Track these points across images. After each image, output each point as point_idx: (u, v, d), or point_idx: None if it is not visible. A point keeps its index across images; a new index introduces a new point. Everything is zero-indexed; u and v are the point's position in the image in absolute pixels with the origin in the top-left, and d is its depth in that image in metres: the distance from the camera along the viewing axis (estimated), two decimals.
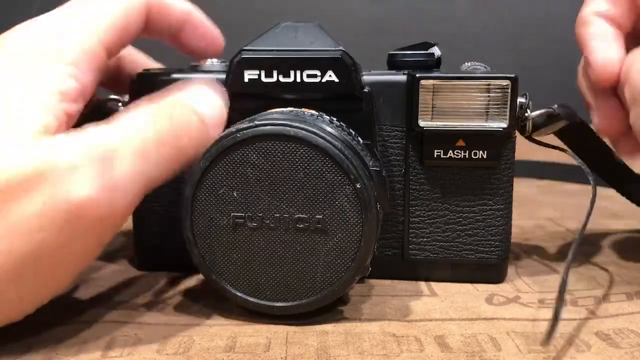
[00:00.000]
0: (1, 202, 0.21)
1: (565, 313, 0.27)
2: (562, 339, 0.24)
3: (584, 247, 0.37)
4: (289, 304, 0.25)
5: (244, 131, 0.25)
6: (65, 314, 0.27)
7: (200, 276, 0.32)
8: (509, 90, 0.28)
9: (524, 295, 0.29)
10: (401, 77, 0.29)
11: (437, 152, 0.29)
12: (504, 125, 0.28)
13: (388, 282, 0.31)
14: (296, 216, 0.25)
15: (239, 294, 0.26)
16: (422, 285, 0.30)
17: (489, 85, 0.28)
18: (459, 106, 0.29)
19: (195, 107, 0.25)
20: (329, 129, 0.25)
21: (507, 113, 0.28)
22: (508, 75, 0.28)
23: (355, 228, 0.24)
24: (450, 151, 0.29)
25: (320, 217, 0.25)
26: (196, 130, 0.25)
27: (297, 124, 0.24)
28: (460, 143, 0.29)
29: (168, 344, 0.24)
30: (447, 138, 0.29)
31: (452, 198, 0.30)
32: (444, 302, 0.28)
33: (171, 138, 0.24)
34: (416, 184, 0.30)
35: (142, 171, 0.23)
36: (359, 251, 0.25)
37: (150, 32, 0.30)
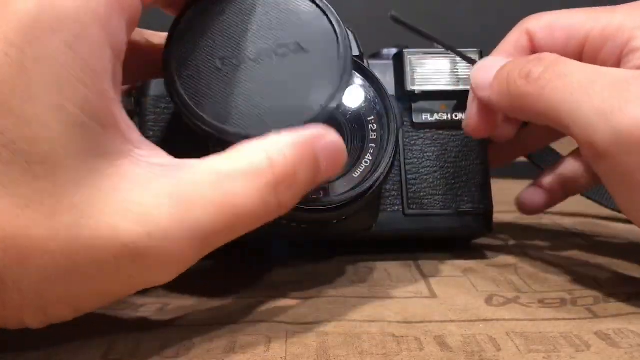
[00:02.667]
0: (69, 255, 0.19)
1: (564, 313, 0.27)
2: (562, 339, 0.24)
3: (583, 248, 0.37)
4: (289, 125, 0.24)
5: None
6: None
7: (200, 277, 0.32)
8: (478, 60, 0.34)
9: (524, 295, 0.29)
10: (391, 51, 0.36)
11: (424, 115, 0.35)
12: None
13: (387, 280, 0.31)
14: (275, 44, 0.25)
15: (235, 130, 0.25)
16: (422, 286, 0.30)
17: (461, 55, 0.34)
18: (438, 73, 0.35)
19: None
20: None
21: None
22: (475, 50, 0.35)
23: (332, 41, 0.25)
24: (435, 114, 0.35)
25: (298, 40, 0.25)
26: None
27: None
28: (443, 107, 0.35)
29: (168, 346, 0.24)
30: (432, 104, 0.35)
31: (440, 156, 0.35)
32: (443, 303, 0.28)
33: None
34: (410, 145, 0.35)
35: (221, 241, 0.22)
36: (341, 59, 0.25)
37: None
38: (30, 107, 0.19)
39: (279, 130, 0.23)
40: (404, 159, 0.35)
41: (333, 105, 0.25)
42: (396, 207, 0.34)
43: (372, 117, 0.30)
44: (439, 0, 0.97)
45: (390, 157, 0.29)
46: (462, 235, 0.36)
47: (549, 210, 0.45)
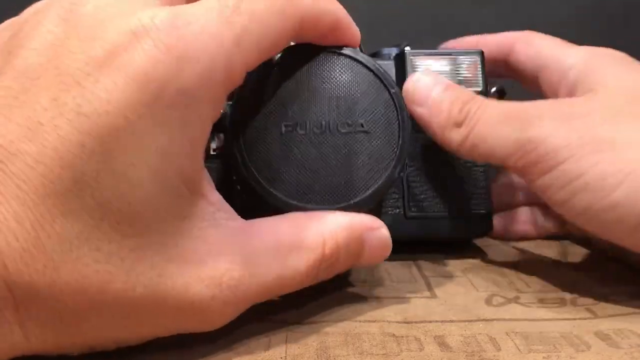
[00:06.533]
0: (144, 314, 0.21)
1: (565, 313, 0.27)
2: (562, 339, 0.24)
3: (583, 247, 0.37)
4: (342, 204, 0.26)
5: (282, 52, 0.26)
6: None
7: None
8: (479, 61, 0.35)
9: (524, 295, 0.29)
10: (391, 50, 0.36)
11: None
12: (479, 89, 0.35)
13: (387, 280, 0.31)
14: (340, 121, 0.26)
15: (292, 202, 0.25)
16: (422, 286, 0.30)
17: (463, 56, 0.35)
18: (440, 74, 0.34)
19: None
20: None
21: (480, 79, 0.35)
22: (476, 50, 0.35)
23: (394, 127, 0.26)
24: None
25: (363, 121, 0.26)
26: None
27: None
28: None
29: (168, 346, 0.24)
30: None
31: (442, 159, 0.35)
32: (443, 303, 0.28)
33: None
34: (411, 148, 0.33)
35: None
36: (398, 148, 0.26)
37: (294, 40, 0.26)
38: (134, 171, 0.19)
39: (333, 208, 0.25)
40: (405, 162, 0.34)
41: (385, 189, 0.26)
42: (397, 210, 0.35)
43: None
44: (439, 0, 0.97)
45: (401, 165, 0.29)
46: (463, 237, 0.36)
47: None
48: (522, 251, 0.36)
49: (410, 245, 0.36)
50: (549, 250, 0.37)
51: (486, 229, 0.35)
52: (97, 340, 0.21)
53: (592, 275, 0.32)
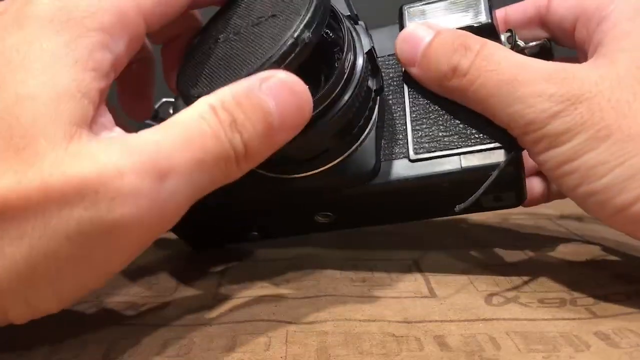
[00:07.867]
0: (40, 211, 0.20)
1: (564, 313, 0.27)
2: (561, 339, 0.24)
3: (583, 247, 0.37)
4: (245, 73, 0.25)
5: None
6: (65, 315, 0.27)
7: (200, 277, 0.32)
8: None
9: (523, 295, 0.29)
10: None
11: None
12: (483, 20, 0.31)
13: (387, 280, 0.31)
14: (254, 19, 0.27)
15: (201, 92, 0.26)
16: (422, 286, 0.30)
17: None
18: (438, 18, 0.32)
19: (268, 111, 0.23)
20: None
21: (483, 8, 0.31)
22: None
23: (304, 5, 0.26)
24: None
25: (273, 11, 0.27)
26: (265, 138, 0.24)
27: None
28: None
29: (169, 346, 0.24)
30: None
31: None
32: (443, 303, 0.28)
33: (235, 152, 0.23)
34: (413, 83, 0.31)
35: (198, 186, 0.22)
36: (306, 14, 0.25)
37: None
38: (23, 87, 0.21)
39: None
40: (408, 99, 0.31)
41: (289, 50, 0.24)
42: (402, 155, 0.30)
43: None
44: None
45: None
46: (484, 178, 0.28)
47: (549, 212, 0.45)
48: (522, 251, 0.36)
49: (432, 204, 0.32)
50: (549, 250, 0.37)
51: (512, 170, 0.29)
52: (28, 287, 0.21)
53: (592, 275, 0.32)
